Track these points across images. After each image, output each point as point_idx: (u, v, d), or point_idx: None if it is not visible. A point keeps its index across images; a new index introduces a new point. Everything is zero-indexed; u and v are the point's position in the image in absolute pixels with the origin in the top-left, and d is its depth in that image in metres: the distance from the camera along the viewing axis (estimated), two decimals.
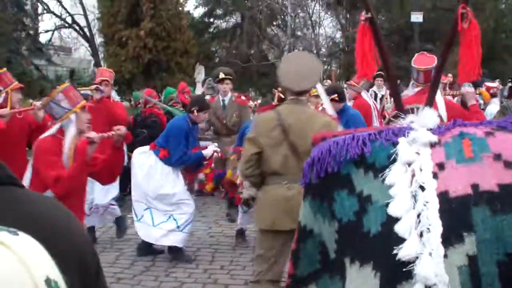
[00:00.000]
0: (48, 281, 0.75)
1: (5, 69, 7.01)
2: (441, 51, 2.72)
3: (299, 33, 32.55)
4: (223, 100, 8.58)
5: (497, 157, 2.03)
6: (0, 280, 0.70)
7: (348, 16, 31.98)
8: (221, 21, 33.17)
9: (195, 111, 6.68)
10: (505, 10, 29.90)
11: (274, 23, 33.08)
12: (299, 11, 31.89)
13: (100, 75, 8.29)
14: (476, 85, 11.01)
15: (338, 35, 33.35)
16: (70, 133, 4.37)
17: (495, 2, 27.24)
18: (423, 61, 6.02)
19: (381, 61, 2.62)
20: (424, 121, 2.27)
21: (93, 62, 31.71)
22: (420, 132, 2.19)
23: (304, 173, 2.35)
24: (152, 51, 22.03)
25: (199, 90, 12.72)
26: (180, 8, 24.38)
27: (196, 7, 31.97)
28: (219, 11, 32.52)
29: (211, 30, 32.72)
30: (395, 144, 2.18)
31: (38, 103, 6.74)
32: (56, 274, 0.77)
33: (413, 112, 2.36)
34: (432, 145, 2.16)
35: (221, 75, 8.49)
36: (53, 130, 4.43)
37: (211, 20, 32.70)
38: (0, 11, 23.79)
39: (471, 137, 2.13)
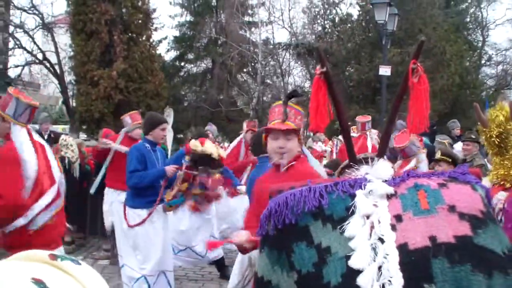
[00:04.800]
0: None
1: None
2: (392, 103, 2.82)
3: (268, 81, 32.78)
4: None
5: (452, 208, 2.08)
6: None
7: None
8: (192, 65, 33.26)
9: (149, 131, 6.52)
10: (469, 68, 30.80)
11: (245, 70, 33.23)
12: (270, 59, 32.23)
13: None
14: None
15: (307, 84, 33.70)
16: None
17: (460, 59, 28.00)
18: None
19: (335, 114, 2.69)
20: (379, 172, 2.30)
21: (61, 99, 31.41)
22: (377, 184, 2.22)
23: (261, 224, 2.34)
24: (123, 92, 21.89)
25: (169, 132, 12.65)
26: (153, 51, 24.37)
27: (168, 50, 32.08)
28: (190, 56, 32.64)
29: (181, 74, 32.79)
30: (352, 196, 2.21)
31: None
32: None
33: (366, 163, 2.42)
34: (389, 197, 2.20)
35: None
36: None
37: (182, 64, 32.80)
38: None
39: (426, 189, 2.17)
